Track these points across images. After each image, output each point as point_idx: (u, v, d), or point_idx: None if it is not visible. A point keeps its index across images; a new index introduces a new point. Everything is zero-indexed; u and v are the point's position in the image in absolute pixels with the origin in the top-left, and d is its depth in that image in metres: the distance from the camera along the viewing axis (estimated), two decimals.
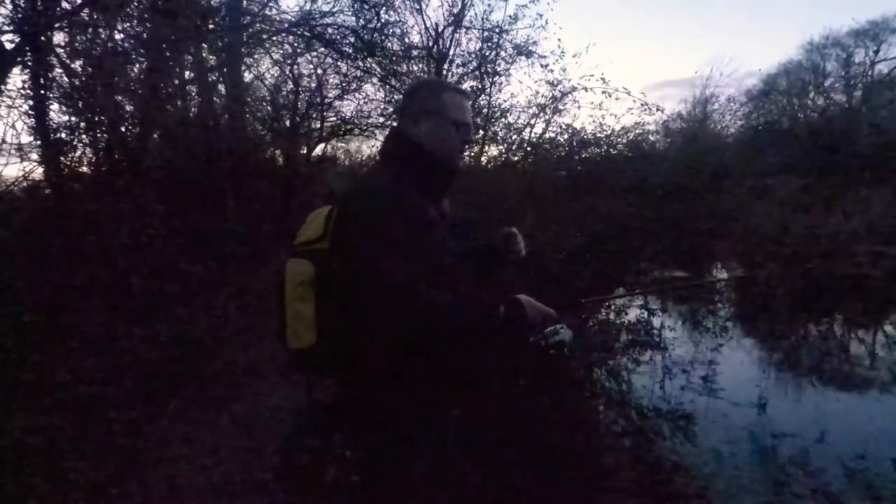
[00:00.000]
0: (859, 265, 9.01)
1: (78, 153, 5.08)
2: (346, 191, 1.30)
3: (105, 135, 5.29)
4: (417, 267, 1.12)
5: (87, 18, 4.87)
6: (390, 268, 1.10)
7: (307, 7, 7.81)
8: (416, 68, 9.68)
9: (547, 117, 10.17)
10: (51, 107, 4.87)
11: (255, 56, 8.73)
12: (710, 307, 7.10)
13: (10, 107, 4.49)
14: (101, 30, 5.08)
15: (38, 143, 4.75)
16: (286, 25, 7.74)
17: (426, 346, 1.15)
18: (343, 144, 12.27)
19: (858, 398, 4.04)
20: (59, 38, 4.88)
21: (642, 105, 9.54)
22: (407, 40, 9.41)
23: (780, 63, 26.74)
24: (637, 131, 10.89)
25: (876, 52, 22.00)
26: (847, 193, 13.15)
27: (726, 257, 11.76)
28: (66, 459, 2.57)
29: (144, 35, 5.43)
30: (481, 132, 9.49)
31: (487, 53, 9.84)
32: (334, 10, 7.88)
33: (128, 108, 5.57)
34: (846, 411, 3.70)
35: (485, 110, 9.85)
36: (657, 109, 9.95)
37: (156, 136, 6.21)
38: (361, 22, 7.98)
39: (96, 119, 5.14)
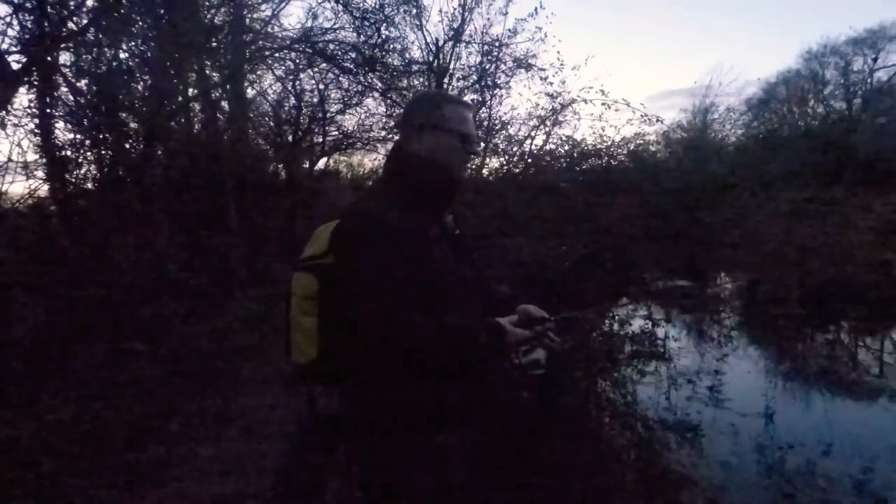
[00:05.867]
0: (864, 272, 8.96)
1: (83, 170, 5.16)
2: (346, 208, 1.31)
3: (109, 152, 5.35)
4: (407, 290, 1.12)
5: (92, 38, 4.95)
6: (377, 291, 1.11)
7: (309, 24, 7.94)
8: (416, 82, 9.79)
9: (547, 129, 10.25)
10: (56, 125, 4.96)
11: (258, 72, 8.85)
12: (714, 316, 7.07)
13: (16, 125, 4.58)
14: (105, 49, 5.17)
15: (44, 160, 4.82)
16: (288, 42, 7.85)
17: (419, 365, 1.15)
18: (345, 158, 12.36)
19: (867, 408, 3.99)
20: (64, 57, 4.97)
21: (642, 116, 9.60)
22: (407, 55, 9.54)
23: (780, 72, 26.74)
24: (637, 142, 10.95)
25: (874, 60, 22.11)
26: (849, 200, 13.15)
27: (729, 266, 11.74)
28: (70, 476, 2.57)
29: (148, 54, 5.52)
30: (482, 144, 9.55)
31: (487, 67, 9.95)
32: (335, 26, 8.00)
33: (132, 125, 5.63)
34: (854, 422, 3.66)
35: (486, 123, 9.93)
36: (657, 120, 10.02)
37: (160, 152, 6.27)
38: (362, 38, 8.08)
39: (101, 136, 5.21)
